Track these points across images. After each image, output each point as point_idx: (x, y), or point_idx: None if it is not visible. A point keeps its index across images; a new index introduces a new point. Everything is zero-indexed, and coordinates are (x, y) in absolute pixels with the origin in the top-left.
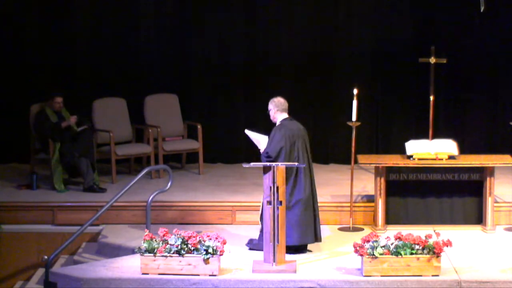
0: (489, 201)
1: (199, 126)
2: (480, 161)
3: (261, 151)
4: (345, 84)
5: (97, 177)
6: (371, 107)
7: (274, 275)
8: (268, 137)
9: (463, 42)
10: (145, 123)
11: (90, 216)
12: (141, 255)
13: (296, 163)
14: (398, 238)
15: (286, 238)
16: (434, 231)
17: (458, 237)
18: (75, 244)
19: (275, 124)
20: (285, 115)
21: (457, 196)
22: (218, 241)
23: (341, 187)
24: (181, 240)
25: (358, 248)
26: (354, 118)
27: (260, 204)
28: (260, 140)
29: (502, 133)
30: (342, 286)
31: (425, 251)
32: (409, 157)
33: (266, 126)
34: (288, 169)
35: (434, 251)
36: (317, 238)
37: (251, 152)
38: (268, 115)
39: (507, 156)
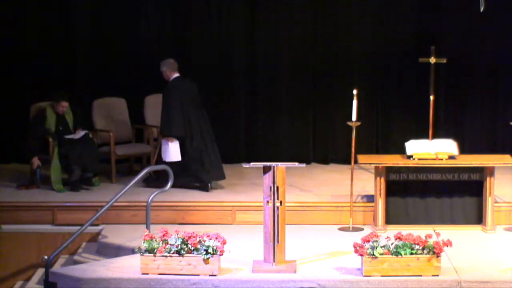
0: (489, 201)
1: None
2: (480, 161)
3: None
4: (345, 84)
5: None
6: (371, 107)
7: (274, 275)
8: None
9: (463, 42)
10: (145, 123)
11: (90, 216)
12: (141, 255)
13: (296, 163)
14: (398, 238)
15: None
16: (434, 231)
17: (458, 237)
18: (75, 244)
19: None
20: (177, 74)
21: (457, 196)
22: (218, 241)
23: (341, 187)
24: (181, 240)
25: (358, 248)
26: (354, 118)
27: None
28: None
29: (502, 133)
30: (342, 286)
31: (425, 251)
32: (409, 157)
33: (266, 126)
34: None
35: (434, 251)
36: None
37: (251, 152)
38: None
39: (507, 156)
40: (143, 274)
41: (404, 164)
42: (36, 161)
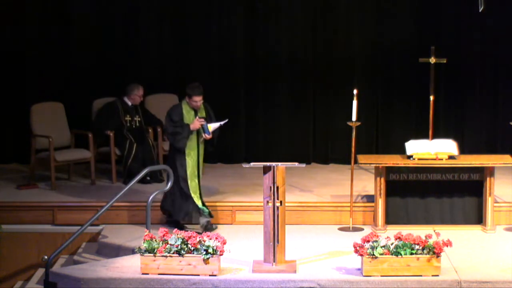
0: (489, 201)
1: None
2: (480, 161)
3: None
4: (345, 84)
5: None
6: (371, 107)
7: (274, 275)
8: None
9: (463, 41)
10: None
11: (90, 216)
12: (141, 255)
13: (296, 163)
14: (398, 238)
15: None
16: (434, 231)
17: (458, 237)
18: (75, 244)
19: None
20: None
21: (457, 196)
22: (218, 241)
23: (341, 187)
24: (181, 240)
25: (358, 248)
26: (354, 118)
27: None
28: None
29: (502, 133)
30: (342, 286)
31: (425, 251)
32: (409, 157)
33: (266, 126)
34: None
35: (434, 251)
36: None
37: (251, 152)
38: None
39: (507, 156)
40: (143, 274)
41: (404, 164)
42: (197, 121)
